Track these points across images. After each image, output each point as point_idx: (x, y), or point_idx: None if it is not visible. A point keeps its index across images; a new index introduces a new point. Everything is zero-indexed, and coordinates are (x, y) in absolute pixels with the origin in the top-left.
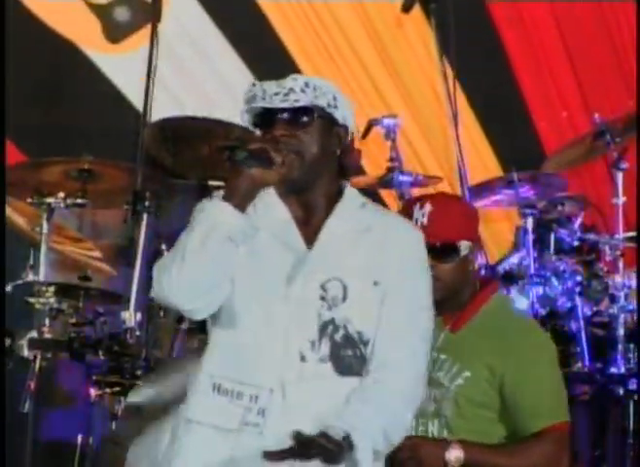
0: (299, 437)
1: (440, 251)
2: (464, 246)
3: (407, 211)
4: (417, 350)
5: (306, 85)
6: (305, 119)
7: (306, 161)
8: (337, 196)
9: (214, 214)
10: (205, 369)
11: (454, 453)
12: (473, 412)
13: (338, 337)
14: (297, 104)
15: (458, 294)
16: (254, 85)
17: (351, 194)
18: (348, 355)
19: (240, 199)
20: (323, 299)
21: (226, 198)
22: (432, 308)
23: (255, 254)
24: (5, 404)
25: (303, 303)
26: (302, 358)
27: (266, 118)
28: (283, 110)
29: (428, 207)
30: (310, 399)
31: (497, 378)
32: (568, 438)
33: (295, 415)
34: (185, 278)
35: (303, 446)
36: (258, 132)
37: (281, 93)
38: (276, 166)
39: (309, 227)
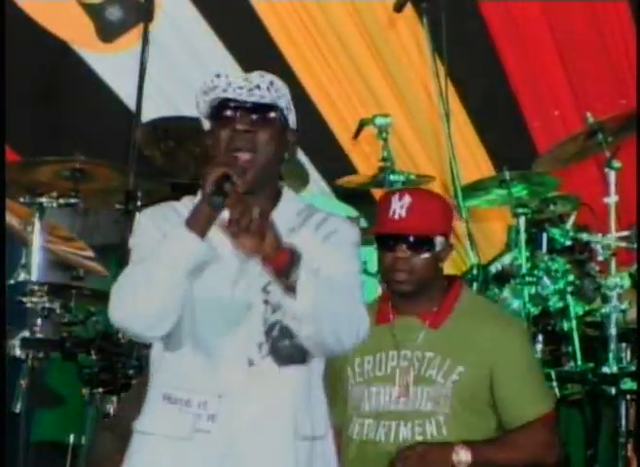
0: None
1: (415, 244)
2: (439, 241)
3: (385, 202)
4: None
5: (271, 83)
6: (269, 116)
7: (260, 162)
8: (277, 198)
9: (181, 245)
10: (155, 380)
11: (462, 455)
12: (468, 406)
13: (275, 331)
14: (262, 101)
15: (428, 288)
16: (218, 76)
17: (289, 196)
18: (286, 346)
19: (204, 226)
20: (266, 302)
21: (190, 225)
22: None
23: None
24: (5, 401)
25: (248, 307)
26: (250, 362)
27: (222, 110)
28: (247, 104)
29: (407, 200)
30: (258, 398)
31: (487, 371)
32: (556, 423)
33: (243, 416)
34: (154, 308)
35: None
36: (207, 124)
37: (246, 88)
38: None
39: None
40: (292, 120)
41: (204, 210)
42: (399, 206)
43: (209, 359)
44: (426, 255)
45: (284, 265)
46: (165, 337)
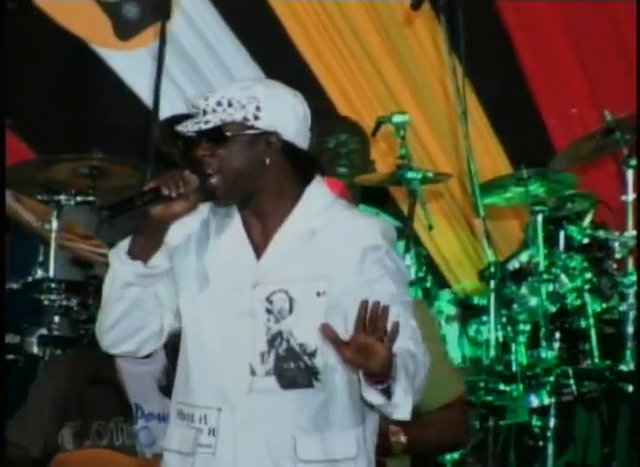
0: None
1: None
2: None
3: None
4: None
5: (219, 103)
6: (217, 137)
7: (230, 178)
8: (295, 201)
9: (112, 263)
10: (173, 396)
11: (399, 436)
12: None
13: (282, 350)
14: (205, 126)
15: None
16: (187, 102)
17: (310, 196)
18: (291, 368)
19: (141, 244)
20: (269, 312)
21: (129, 244)
22: (408, 300)
23: (207, 270)
24: (5, 403)
25: (252, 316)
26: (253, 372)
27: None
28: (197, 133)
29: None
30: (258, 415)
31: None
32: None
33: (244, 433)
34: (105, 326)
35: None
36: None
37: (198, 115)
38: (185, 196)
39: (264, 235)
40: (266, 124)
41: (140, 233)
42: None
43: (212, 370)
44: None
45: (386, 379)
46: (173, 351)
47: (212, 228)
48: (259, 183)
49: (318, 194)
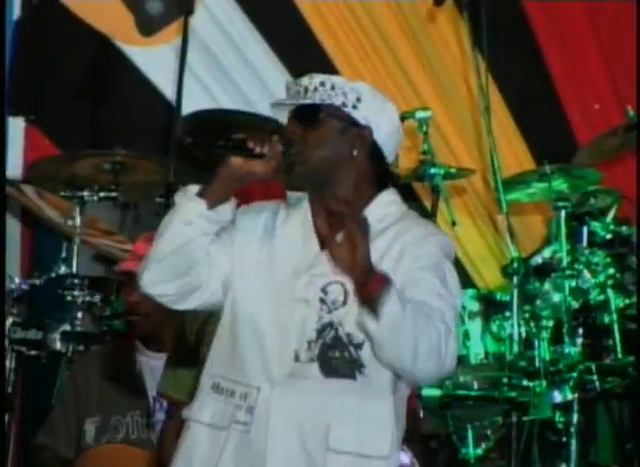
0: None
1: None
2: None
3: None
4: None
5: (322, 83)
6: (312, 116)
7: (311, 159)
8: (366, 203)
9: (176, 200)
10: (207, 368)
11: None
12: None
13: (329, 338)
14: (304, 101)
15: None
16: (287, 83)
17: (383, 201)
18: (335, 357)
19: (211, 186)
20: (323, 301)
21: (200, 188)
22: (450, 301)
23: (272, 255)
24: (5, 402)
25: (305, 304)
26: (297, 358)
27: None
28: (293, 107)
29: None
30: (295, 398)
31: None
32: None
33: (278, 414)
34: (151, 261)
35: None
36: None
37: (296, 92)
38: (267, 158)
39: (332, 230)
40: (362, 116)
41: (219, 171)
42: None
43: (259, 349)
44: None
45: (377, 292)
46: (221, 322)
47: (281, 216)
48: (337, 173)
49: (391, 201)
